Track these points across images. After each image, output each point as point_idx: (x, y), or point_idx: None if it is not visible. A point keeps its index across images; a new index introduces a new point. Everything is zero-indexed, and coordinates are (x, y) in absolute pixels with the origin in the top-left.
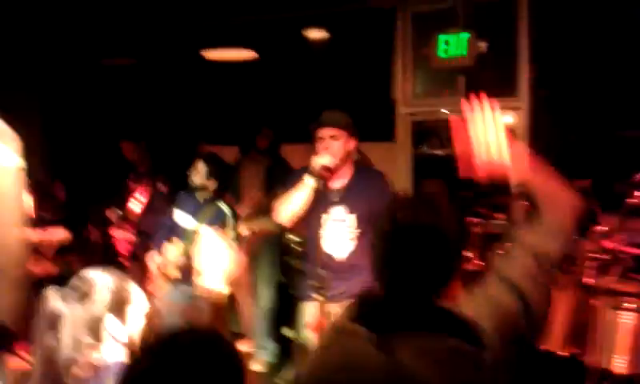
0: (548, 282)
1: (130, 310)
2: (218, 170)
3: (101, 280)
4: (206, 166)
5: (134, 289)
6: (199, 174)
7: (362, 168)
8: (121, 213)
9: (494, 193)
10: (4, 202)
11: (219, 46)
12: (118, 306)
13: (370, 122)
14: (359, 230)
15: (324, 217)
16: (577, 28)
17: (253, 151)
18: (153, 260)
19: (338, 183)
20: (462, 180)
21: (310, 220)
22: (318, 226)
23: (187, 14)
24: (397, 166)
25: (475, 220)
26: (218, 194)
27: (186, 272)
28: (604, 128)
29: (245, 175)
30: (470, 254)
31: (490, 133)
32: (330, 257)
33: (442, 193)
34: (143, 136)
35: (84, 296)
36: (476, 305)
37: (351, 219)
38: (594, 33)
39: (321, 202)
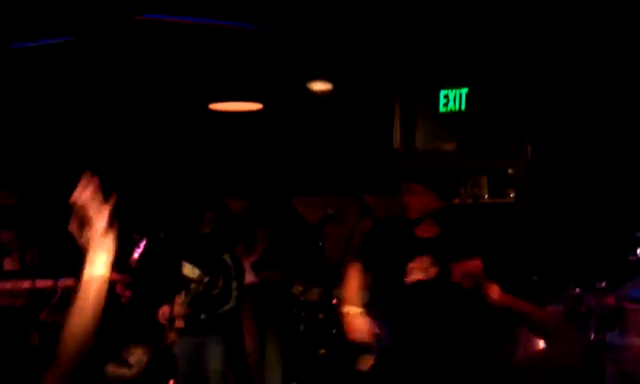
0: None
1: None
2: (225, 220)
3: (142, 352)
4: (214, 216)
5: (171, 359)
6: (206, 225)
7: (451, 223)
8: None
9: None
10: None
11: (226, 99)
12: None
13: (375, 174)
14: None
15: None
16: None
17: (264, 202)
18: (164, 314)
19: (423, 233)
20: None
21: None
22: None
23: (194, 68)
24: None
25: None
26: (224, 245)
27: (191, 322)
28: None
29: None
30: None
31: None
32: None
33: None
34: (150, 188)
35: (130, 365)
36: None
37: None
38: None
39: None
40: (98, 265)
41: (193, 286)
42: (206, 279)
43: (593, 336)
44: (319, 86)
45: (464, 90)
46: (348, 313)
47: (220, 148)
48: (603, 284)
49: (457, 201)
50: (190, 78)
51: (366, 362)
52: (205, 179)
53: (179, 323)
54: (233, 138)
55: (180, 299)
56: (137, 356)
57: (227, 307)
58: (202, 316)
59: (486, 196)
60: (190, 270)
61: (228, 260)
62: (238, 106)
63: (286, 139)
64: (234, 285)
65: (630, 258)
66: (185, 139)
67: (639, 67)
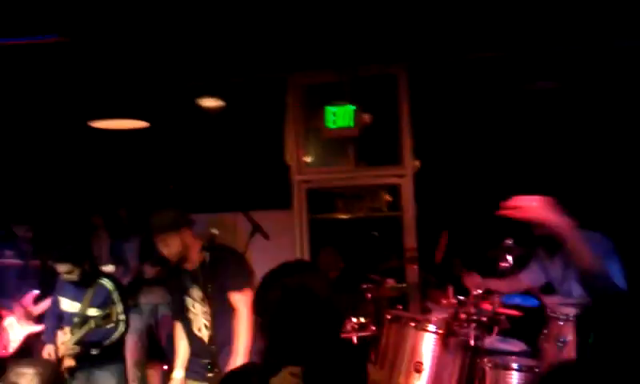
0: None
1: None
2: (74, 252)
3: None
4: (66, 258)
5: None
6: (63, 267)
7: (215, 248)
8: None
9: (387, 258)
10: None
11: (109, 117)
12: None
13: (266, 190)
14: (212, 309)
15: (186, 299)
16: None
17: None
18: (49, 353)
19: (190, 265)
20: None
21: (176, 305)
22: (184, 309)
23: (75, 85)
24: (293, 233)
25: (368, 285)
26: (95, 272)
27: (82, 359)
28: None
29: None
30: (363, 320)
31: None
32: (197, 337)
33: (333, 260)
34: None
35: None
36: None
37: (203, 298)
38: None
39: (180, 285)
40: None
41: (77, 320)
42: (92, 312)
43: (472, 341)
44: (210, 103)
45: (352, 108)
46: None
47: (104, 166)
48: (480, 291)
49: (347, 216)
50: (72, 95)
51: None
52: (89, 198)
53: (68, 362)
54: (119, 156)
55: (64, 336)
56: (27, 378)
57: (117, 335)
58: (93, 351)
59: (386, 210)
60: (69, 305)
61: (106, 283)
62: (122, 124)
63: (174, 156)
64: (119, 309)
65: (501, 264)
66: (68, 159)
67: (519, 91)
